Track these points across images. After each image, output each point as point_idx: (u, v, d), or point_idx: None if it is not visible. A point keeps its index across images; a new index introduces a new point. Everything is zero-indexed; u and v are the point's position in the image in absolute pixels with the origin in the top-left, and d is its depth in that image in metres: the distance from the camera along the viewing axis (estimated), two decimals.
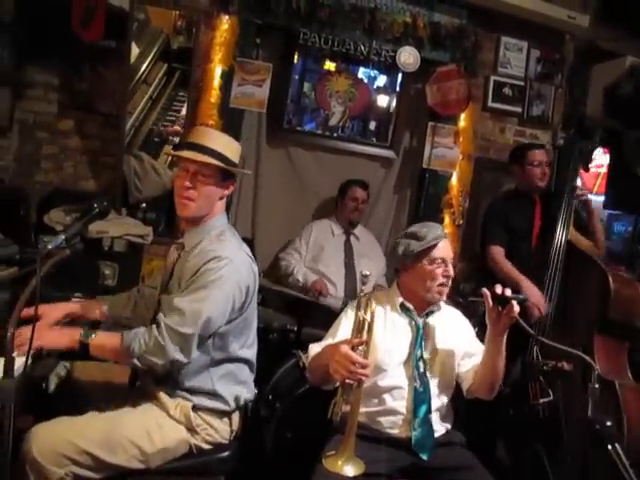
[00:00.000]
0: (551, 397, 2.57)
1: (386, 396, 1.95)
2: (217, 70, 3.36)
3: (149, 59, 3.38)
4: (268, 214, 3.78)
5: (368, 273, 1.75)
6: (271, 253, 3.71)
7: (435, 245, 1.99)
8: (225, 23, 3.36)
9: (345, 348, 1.69)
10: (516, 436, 2.74)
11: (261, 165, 3.75)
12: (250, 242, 3.65)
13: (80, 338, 1.71)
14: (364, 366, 1.68)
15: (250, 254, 1.90)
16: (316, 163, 3.84)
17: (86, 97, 3.30)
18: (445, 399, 2.03)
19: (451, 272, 2.00)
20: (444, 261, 1.99)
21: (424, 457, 1.89)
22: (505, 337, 1.84)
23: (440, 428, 2.00)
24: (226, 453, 1.88)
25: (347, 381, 1.70)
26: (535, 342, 2.67)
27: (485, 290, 1.81)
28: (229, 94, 3.41)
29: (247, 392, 1.95)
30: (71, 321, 2.00)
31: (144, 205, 3.42)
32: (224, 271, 1.73)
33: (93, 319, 2.05)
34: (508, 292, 1.79)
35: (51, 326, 1.85)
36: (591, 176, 4.56)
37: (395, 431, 1.94)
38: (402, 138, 3.94)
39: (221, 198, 1.88)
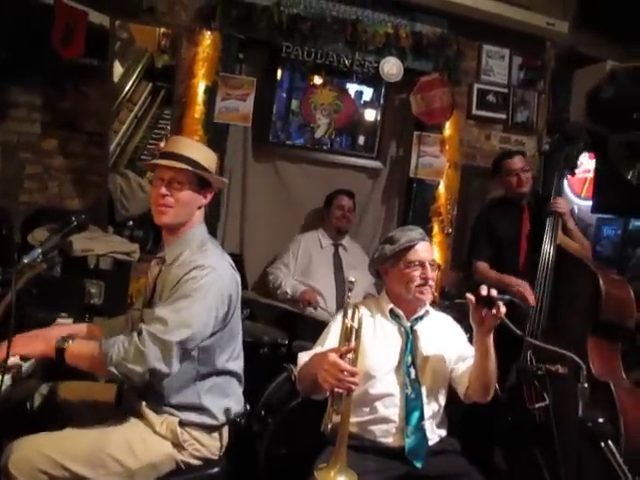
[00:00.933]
0: (547, 401, 2.55)
1: (377, 404, 1.92)
2: (200, 86, 3.37)
3: (133, 78, 3.38)
4: (256, 229, 3.76)
5: (354, 280, 1.73)
6: (260, 268, 3.69)
7: (411, 248, 1.98)
8: (207, 39, 3.37)
9: (333, 356, 1.66)
10: (514, 442, 2.70)
11: (248, 180, 3.74)
12: (239, 257, 3.64)
13: (56, 344, 1.66)
14: (353, 374, 1.65)
15: (232, 264, 1.87)
16: (303, 176, 3.83)
17: (69, 116, 3.30)
18: (438, 406, 2.00)
19: (429, 274, 1.97)
20: (421, 264, 1.97)
21: (418, 465, 1.86)
22: (491, 337, 1.82)
23: (434, 436, 1.97)
24: (216, 469, 1.83)
25: (336, 390, 1.67)
26: (528, 346, 2.65)
27: (468, 294, 1.79)
28: (213, 109, 3.41)
29: (236, 405, 1.91)
30: None
31: (131, 223, 3.40)
32: (206, 280, 1.70)
33: None
34: (493, 292, 1.78)
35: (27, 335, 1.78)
36: (578, 181, 4.57)
37: (388, 440, 1.91)
38: (388, 148, 3.94)
39: (199, 207, 1.86)
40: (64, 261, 2.67)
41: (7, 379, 1.62)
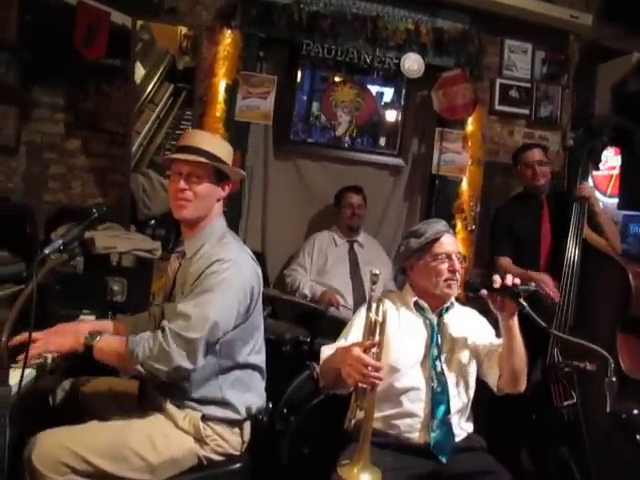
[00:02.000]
0: (575, 399, 2.50)
1: (403, 398, 1.88)
2: (221, 84, 3.39)
3: (155, 79, 3.40)
4: (278, 227, 3.76)
5: (378, 272, 1.70)
6: (282, 265, 3.68)
7: (437, 241, 1.95)
8: (228, 37, 3.38)
9: (357, 351, 1.64)
10: (540, 441, 2.65)
11: (269, 178, 3.74)
12: (261, 255, 3.64)
13: (85, 341, 1.68)
14: (377, 369, 1.62)
15: (253, 256, 1.86)
16: (324, 174, 3.82)
17: (92, 116, 3.34)
18: (465, 399, 1.96)
19: (456, 266, 1.94)
20: (448, 256, 1.94)
21: (443, 460, 1.82)
22: (516, 321, 1.80)
23: (461, 432, 1.93)
24: (237, 465, 1.82)
25: (360, 385, 1.65)
26: (555, 343, 2.60)
27: (483, 291, 1.78)
28: (234, 108, 3.43)
29: (258, 399, 1.90)
30: None
31: (153, 222, 3.42)
32: (228, 273, 1.68)
33: None
34: (517, 281, 1.76)
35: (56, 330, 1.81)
36: (604, 179, 4.49)
37: (413, 435, 1.87)
38: (410, 145, 3.91)
39: (218, 200, 1.84)
40: (86, 259, 2.69)
41: (31, 372, 1.64)
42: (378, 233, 3.82)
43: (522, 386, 1.90)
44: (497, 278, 1.77)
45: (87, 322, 1.97)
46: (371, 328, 1.70)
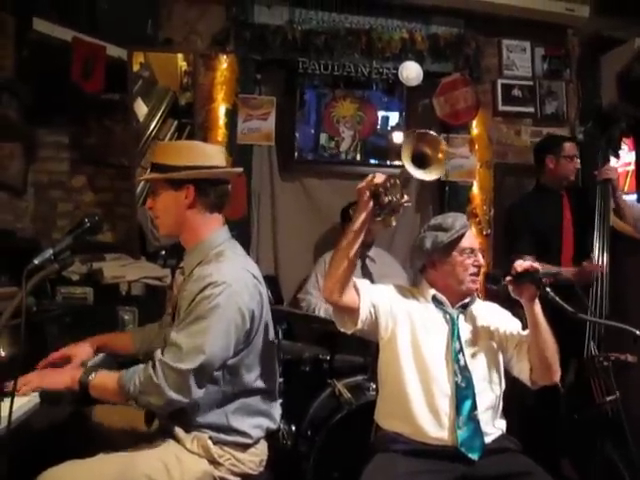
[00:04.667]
0: (617, 395, 2.37)
1: (427, 394, 1.79)
2: (221, 109, 3.41)
3: (158, 116, 3.43)
4: (289, 248, 3.71)
5: None
6: (297, 287, 3.61)
7: (463, 235, 1.91)
8: (224, 62, 3.42)
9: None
10: (585, 444, 2.50)
11: (276, 200, 3.72)
12: (275, 278, 3.58)
13: (80, 378, 1.61)
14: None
15: (256, 274, 1.74)
16: (332, 191, 3.77)
17: (96, 151, 3.36)
18: (494, 396, 1.85)
19: (481, 261, 1.92)
20: (473, 251, 1.90)
21: (474, 457, 1.70)
22: (538, 307, 1.73)
23: (493, 430, 1.82)
24: None
25: (377, 181, 1.65)
26: (591, 336, 2.49)
27: (507, 277, 1.74)
28: (235, 131, 3.43)
29: (269, 421, 1.78)
30: None
31: (163, 252, 3.38)
32: (221, 298, 1.57)
33: (124, 352, 2.00)
34: (537, 265, 1.71)
35: (55, 367, 1.78)
36: (620, 176, 4.39)
37: (439, 435, 1.76)
38: None
39: (190, 207, 1.69)
40: (96, 289, 2.68)
41: (35, 397, 1.59)
42: (391, 246, 3.75)
43: (556, 375, 1.81)
44: (519, 262, 1.73)
45: (89, 341, 1.92)
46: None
